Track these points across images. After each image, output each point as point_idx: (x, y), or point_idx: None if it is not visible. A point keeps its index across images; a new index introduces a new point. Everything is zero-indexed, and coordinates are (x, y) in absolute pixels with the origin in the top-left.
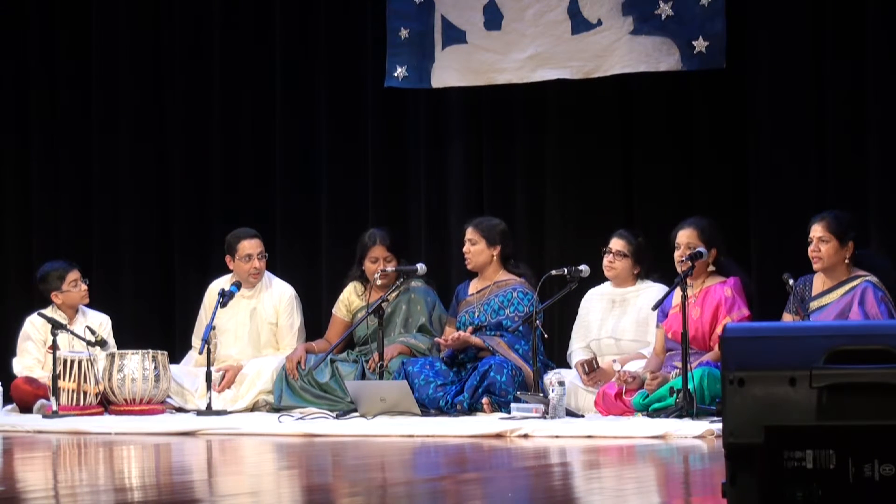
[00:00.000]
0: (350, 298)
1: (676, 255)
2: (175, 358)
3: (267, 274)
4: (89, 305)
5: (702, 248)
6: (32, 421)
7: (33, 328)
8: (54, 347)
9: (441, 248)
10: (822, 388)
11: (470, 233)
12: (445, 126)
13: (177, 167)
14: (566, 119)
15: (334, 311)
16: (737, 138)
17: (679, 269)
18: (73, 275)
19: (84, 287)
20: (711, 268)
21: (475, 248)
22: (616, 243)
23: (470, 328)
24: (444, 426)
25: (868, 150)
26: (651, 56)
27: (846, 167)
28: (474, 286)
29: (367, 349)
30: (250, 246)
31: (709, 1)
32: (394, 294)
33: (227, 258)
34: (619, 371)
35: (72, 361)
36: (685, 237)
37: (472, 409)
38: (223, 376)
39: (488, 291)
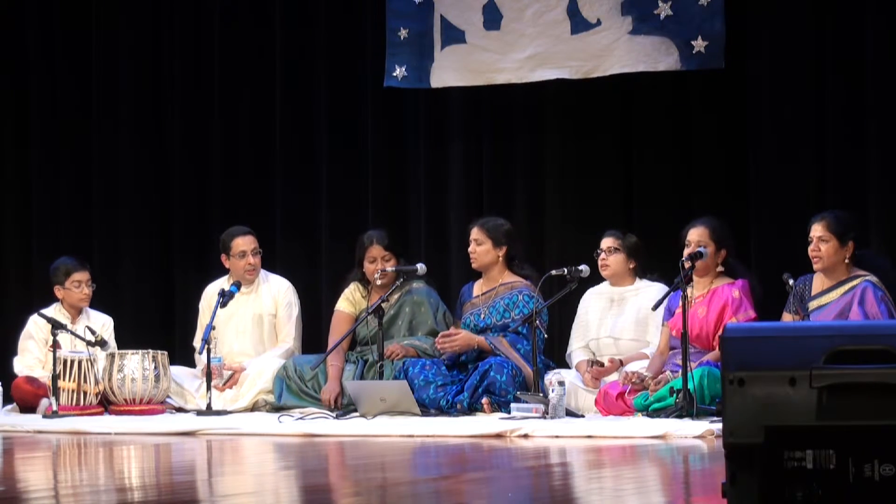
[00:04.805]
0: (355, 296)
1: (686, 252)
2: (174, 358)
3: (263, 271)
4: (91, 305)
5: (703, 248)
6: (32, 421)
7: (36, 327)
8: (55, 346)
9: (441, 248)
10: (822, 388)
11: (476, 233)
12: (445, 126)
13: (177, 167)
14: (566, 119)
15: (337, 307)
16: (737, 138)
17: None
18: (79, 275)
19: (86, 291)
20: (720, 268)
21: (481, 249)
22: (605, 241)
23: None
24: (444, 426)
25: (868, 149)
26: (650, 56)
27: (846, 167)
28: (479, 288)
29: (368, 350)
30: (244, 243)
31: (708, 1)
32: (395, 295)
33: (223, 257)
34: (625, 371)
35: (72, 361)
36: (696, 235)
37: (472, 408)
38: (230, 376)
39: (494, 293)
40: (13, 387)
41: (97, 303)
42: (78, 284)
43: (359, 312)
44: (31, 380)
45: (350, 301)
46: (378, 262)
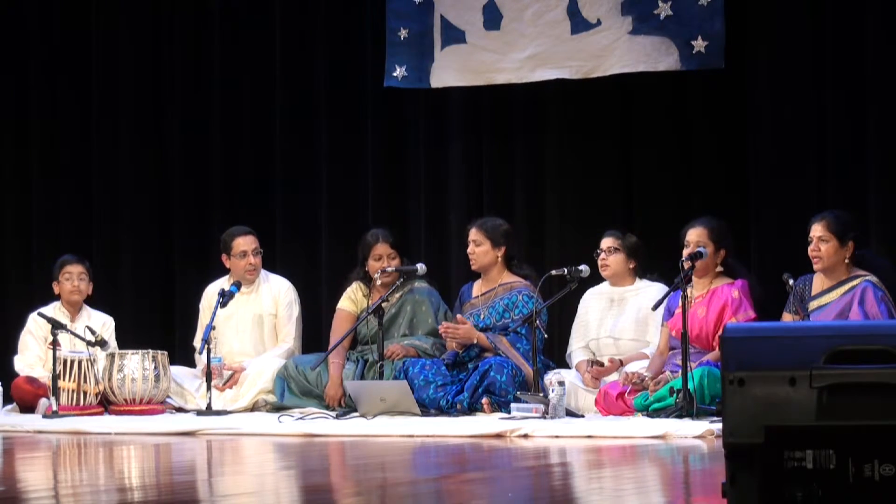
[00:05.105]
0: (357, 295)
1: (685, 252)
2: (174, 358)
3: (264, 271)
4: (92, 305)
5: (702, 248)
6: (32, 421)
7: (35, 325)
8: (55, 344)
9: (441, 248)
10: (822, 388)
11: (474, 233)
12: (445, 126)
13: (177, 167)
14: (566, 119)
15: (339, 305)
16: (737, 138)
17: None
18: (72, 267)
19: (77, 283)
20: (720, 268)
21: (480, 249)
22: (605, 241)
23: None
24: (444, 426)
25: (868, 150)
26: (650, 56)
27: (846, 167)
28: (478, 288)
29: (368, 349)
30: (245, 243)
31: (708, 1)
32: (397, 294)
33: (223, 256)
34: (625, 372)
35: (72, 361)
36: (695, 235)
37: (472, 408)
38: (231, 376)
39: (493, 294)
40: (13, 387)
41: (97, 303)
42: (69, 276)
43: (360, 311)
44: (31, 380)
45: (352, 300)
46: (384, 259)
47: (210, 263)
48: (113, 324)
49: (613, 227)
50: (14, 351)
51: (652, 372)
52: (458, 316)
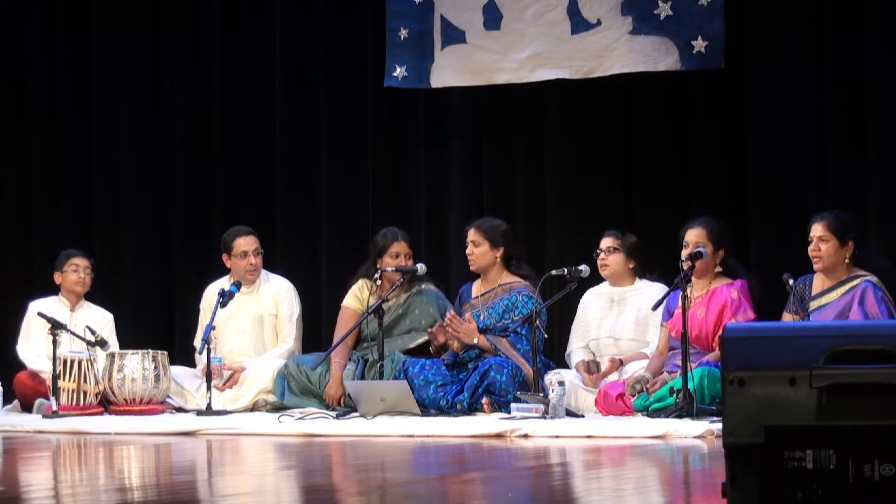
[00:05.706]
0: (363, 293)
1: (684, 253)
2: (174, 358)
3: (264, 271)
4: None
5: (702, 248)
6: (32, 421)
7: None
8: (54, 334)
9: (441, 248)
10: (822, 388)
11: (472, 234)
12: (445, 126)
13: (177, 167)
14: (566, 119)
15: (344, 303)
16: (736, 138)
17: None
18: (78, 260)
19: (82, 276)
20: (719, 269)
21: (479, 251)
22: (605, 241)
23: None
24: (444, 426)
25: (868, 149)
26: (650, 56)
27: (846, 167)
28: (478, 289)
29: (369, 349)
30: (245, 243)
31: (708, 1)
32: (403, 296)
33: (224, 256)
34: (628, 382)
35: (72, 361)
36: (694, 236)
37: (472, 408)
38: (231, 376)
39: (493, 295)
40: (15, 381)
41: (97, 303)
42: (75, 268)
43: (366, 309)
44: (33, 374)
45: (357, 298)
46: (401, 257)
47: (210, 263)
48: (112, 320)
49: (613, 227)
50: (14, 354)
51: (651, 372)
52: (468, 314)
